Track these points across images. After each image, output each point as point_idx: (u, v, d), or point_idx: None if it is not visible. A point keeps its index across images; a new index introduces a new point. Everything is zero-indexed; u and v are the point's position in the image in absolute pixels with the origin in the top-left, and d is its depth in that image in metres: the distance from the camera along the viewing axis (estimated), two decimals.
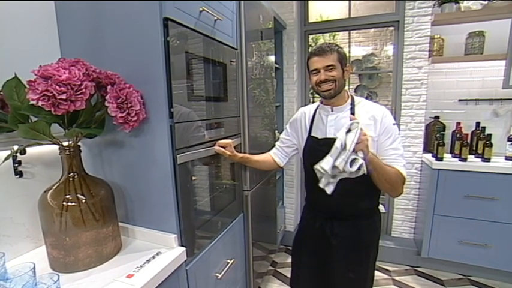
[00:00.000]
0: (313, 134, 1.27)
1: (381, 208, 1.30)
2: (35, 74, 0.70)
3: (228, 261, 1.43)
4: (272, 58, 2.01)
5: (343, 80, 1.18)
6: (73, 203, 0.88)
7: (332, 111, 1.23)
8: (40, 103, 0.70)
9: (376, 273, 2.25)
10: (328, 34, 2.75)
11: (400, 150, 1.15)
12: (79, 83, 0.73)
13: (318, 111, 1.30)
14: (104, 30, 1.01)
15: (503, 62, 2.05)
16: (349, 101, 1.23)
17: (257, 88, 1.74)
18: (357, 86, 3.19)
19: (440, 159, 2.05)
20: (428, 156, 2.20)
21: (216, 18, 1.22)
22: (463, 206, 1.99)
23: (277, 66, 2.33)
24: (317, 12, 2.65)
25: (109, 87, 0.87)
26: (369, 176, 1.07)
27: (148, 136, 1.01)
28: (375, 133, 1.15)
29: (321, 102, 1.29)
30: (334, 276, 1.28)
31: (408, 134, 2.30)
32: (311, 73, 1.20)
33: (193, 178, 1.18)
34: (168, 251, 1.02)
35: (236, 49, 1.45)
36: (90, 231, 0.89)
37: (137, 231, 1.11)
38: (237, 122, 1.51)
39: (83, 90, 0.74)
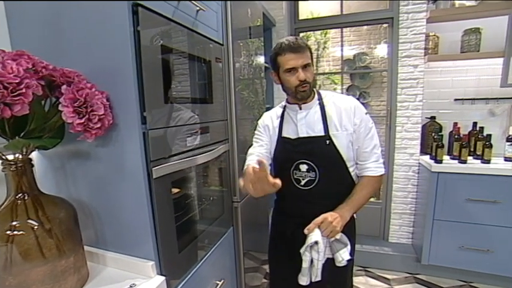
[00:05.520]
0: (285, 135, 1.16)
1: (354, 215, 1.21)
2: None
3: (217, 282, 1.27)
4: (261, 57, 1.88)
5: (314, 77, 1.11)
6: (21, 232, 0.70)
7: (301, 109, 1.14)
8: None
9: (375, 282, 2.15)
10: (319, 32, 2.64)
11: (376, 140, 1.12)
12: (17, 80, 0.57)
13: (285, 111, 1.19)
14: (63, 18, 0.84)
15: (499, 60, 1.98)
16: (316, 96, 1.15)
17: (246, 89, 1.60)
18: (349, 86, 3.09)
19: (440, 161, 1.95)
20: (426, 158, 2.11)
21: (198, 8, 1.07)
22: (463, 210, 1.90)
23: (266, 65, 2.19)
24: (308, 8, 2.53)
25: (64, 87, 0.71)
26: (347, 183, 1.12)
27: (117, 146, 0.85)
28: (350, 125, 1.09)
29: (288, 102, 1.19)
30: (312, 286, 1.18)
31: (404, 135, 2.21)
32: (285, 72, 1.06)
33: (174, 192, 1.02)
34: (144, 282, 0.86)
35: (222, 45, 1.30)
36: (44, 266, 0.72)
37: (108, 258, 0.94)
38: (224, 126, 1.36)
39: (23, 90, 0.58)
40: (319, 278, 0.99)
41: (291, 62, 1.03)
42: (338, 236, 1.00)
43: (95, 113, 0.74)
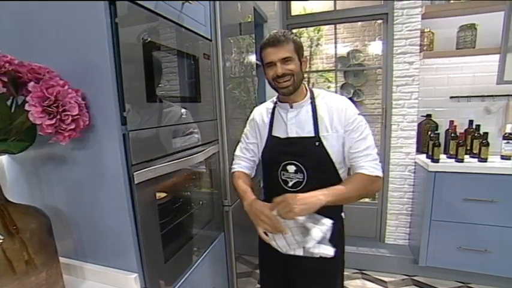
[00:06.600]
0: (274, 134, 1.12)
1: (343, 215, 1.18)
2: None
3: None
4: (253, 55, 1.81)
5: (301, 73, 1.05)
6: None
7: (292, 107, 1.09)
8: None
9: (372, 285, 2.10)
10: (312, 28, 2.58)
11: (369, 141, 1.05)
12: None
13: (276, 108, 1.15)
14: (31, 9, 0.77)
15: (494, 57, 1.95)
16: (308, 95, 1.10)
17: (237, 88, 1.54)
18: (343, 84, 3.05)
19: (436, 160, 1.91)
20: (422, 157, 2.07)
21: (183, 0, 1.00)
22: (461, 210, 1.86)
23: (258, 63, 2.13)
24: (300, 4, 2.48)
25: (31, 84, 0.63)
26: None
27: (95, 149, 0.78)
28: (341, 126, 1.03)
29: (279, 100, 1.14)
30: None
31: (400, 134, 2.17)
32: (266, 66, 1.05)
33: (160, 197, 0.95)
34: None
35: (210, 40, 1.23)
36: (10, 285, 0.65)
37: (87, 270, 0.87)
38: (213, 126, 1.29)
39: None
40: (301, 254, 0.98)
41: (269, 57, 1.01)
42: (301, 219, 0.91)
43: (68, 113, 0.67)
